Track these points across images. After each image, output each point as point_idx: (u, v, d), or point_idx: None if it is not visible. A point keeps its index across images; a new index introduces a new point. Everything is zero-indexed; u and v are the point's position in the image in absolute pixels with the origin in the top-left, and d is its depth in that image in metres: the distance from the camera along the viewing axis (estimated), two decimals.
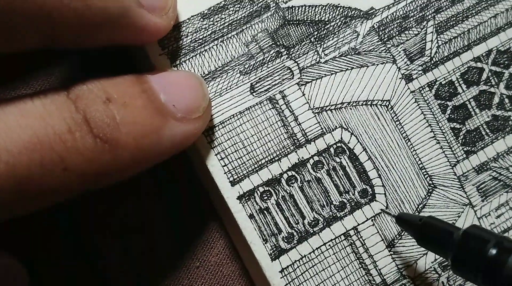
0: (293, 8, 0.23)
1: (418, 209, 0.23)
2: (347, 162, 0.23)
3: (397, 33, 0.23)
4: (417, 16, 0.23)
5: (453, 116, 0.23)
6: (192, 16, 0.22)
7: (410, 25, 0.23)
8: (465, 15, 0.24)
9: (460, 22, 0.24)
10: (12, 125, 0.16)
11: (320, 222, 0.22)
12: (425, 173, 0.23)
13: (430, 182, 0.23)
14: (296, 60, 0.22)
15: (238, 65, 0.22)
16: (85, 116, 0.17)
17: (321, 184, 0.22)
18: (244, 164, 0.22)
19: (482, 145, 0.24)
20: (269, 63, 0.22)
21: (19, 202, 0.16)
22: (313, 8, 0.23)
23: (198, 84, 0.21)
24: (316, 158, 0.22)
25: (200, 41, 0.22)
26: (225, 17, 0.22)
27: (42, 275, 0.23)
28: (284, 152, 0.22)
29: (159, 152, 0.19)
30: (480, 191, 0.23)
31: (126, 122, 0.18)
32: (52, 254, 0.23)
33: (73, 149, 0.17)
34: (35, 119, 0.16)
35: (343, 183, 0.23)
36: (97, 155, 0.17)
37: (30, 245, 0.23)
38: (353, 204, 0.23)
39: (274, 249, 0.22)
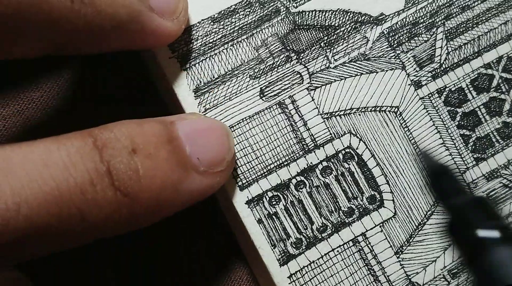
0: (304, 13, 0.22)
1: (426, 216, 0.23)
2: (355, 168, 0.23)
3: (406, 39, 0.23)
4: (427, 22, 0.23)
5: (462, 123, 0.23)
6: (202, 19, 0.22)
7: (420, 31, 0.23)
8: (475, 21, 0.24)
9: (470, 28, 0.24)
10: (35, 175, 0.15)
11: (328, 227, 0.22)
12: None
13: None
14: (306, 65, 0.22)
15: (248, 69, 0.22)
16: (109, 168, 0.17)
17: (329, 190, 0.22)
18: (253, 169, 0.22)
19: (493, 152, 0.23)
20: (279, 67, 0.22)
21: (35, 248, 0.16)
22: (324, 13, 0.23)
23: (225, 136, 0.20)
24: (324, 163, 0.22)
25: (210, 44, 0.22)
26: (235, 21, 0.22)
27: None
28: (293, 157, 0.22)
29: (176, 204, 0.19)
30: (490, 198, 0.23)
31: (147, 175, 0.17)
32: (57, 268, 0.23)
33: (92, 201, 0.16)
34: (59, 170, 0.16)
35: (351, 189, 0.22)
36: (115, 208, 0.17)
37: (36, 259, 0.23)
38: (361, 210, 0.22)
39: (283, 254, 0.22)
